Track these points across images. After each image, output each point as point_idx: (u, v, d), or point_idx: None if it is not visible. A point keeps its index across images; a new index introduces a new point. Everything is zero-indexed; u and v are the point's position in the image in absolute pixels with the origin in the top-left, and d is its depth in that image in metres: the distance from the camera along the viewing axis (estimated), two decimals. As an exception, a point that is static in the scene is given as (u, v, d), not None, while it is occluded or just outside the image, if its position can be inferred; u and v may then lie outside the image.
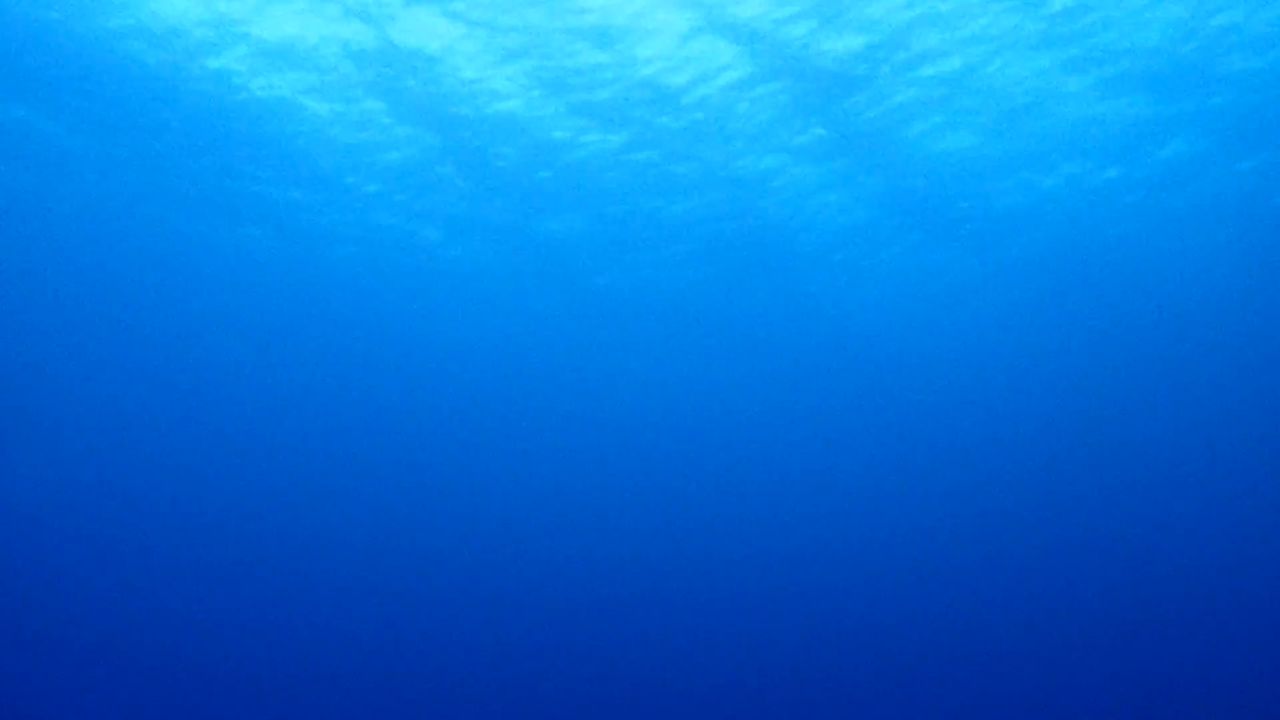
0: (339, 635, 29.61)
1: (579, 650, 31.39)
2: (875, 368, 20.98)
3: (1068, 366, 21.31)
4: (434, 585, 29.40)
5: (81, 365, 19.67)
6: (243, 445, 22.77)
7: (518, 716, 30.39)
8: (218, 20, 11.19)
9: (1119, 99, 13.40)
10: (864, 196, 15.19)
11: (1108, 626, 30.19)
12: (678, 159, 14.09)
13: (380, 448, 23.45)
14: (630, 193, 14.83)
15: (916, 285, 17.97)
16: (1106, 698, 29.51)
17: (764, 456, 25.06)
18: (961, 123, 13.57)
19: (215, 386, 20.55)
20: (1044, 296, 18.65)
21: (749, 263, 16.84)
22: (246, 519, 25.48)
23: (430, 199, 14.80)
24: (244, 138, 13.33)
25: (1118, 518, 28.25)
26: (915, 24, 11.59)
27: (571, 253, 16.45)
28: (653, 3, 11.07)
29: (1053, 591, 30.71)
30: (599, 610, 30.96)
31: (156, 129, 13.17)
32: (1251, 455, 25.08)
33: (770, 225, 15.83)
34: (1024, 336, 20.09)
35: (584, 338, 19.39)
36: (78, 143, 13.51)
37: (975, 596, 31.39)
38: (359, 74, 12.05)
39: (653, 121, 13.20)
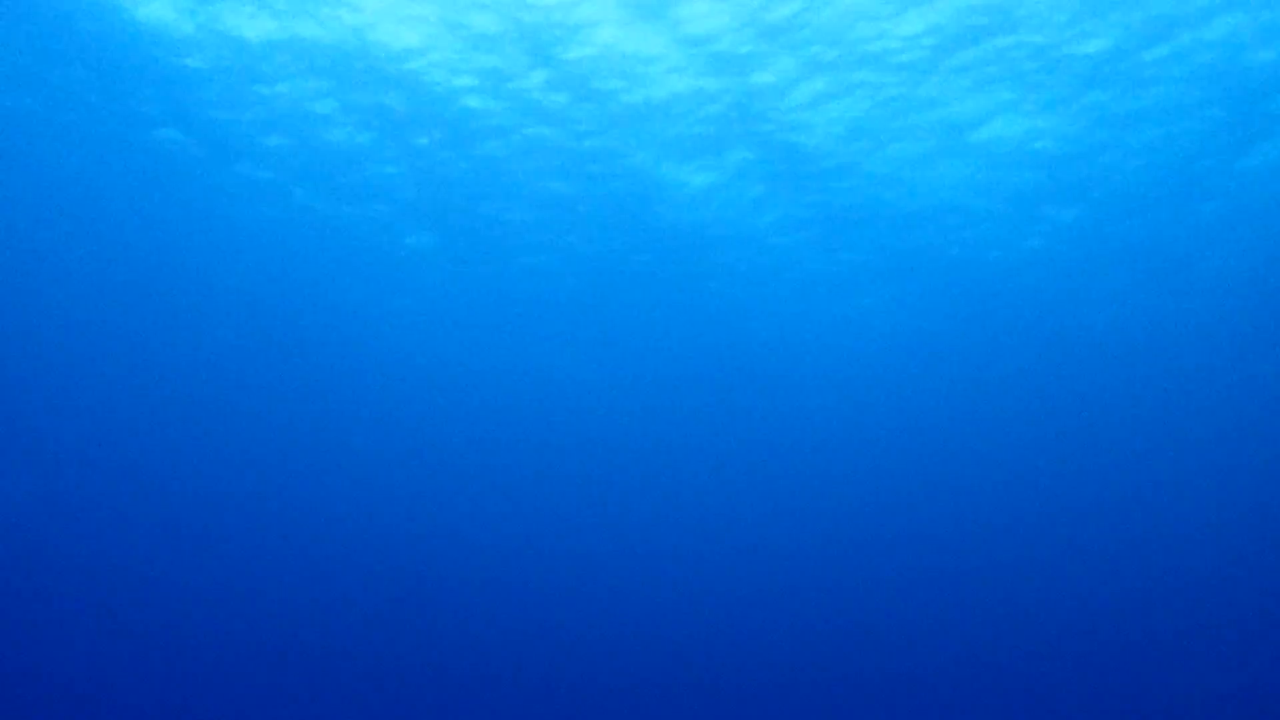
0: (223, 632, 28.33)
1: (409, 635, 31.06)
2: (773, 379, 21.15)
3: (957, 391, 21.70)
4: (308, 567, 28.37)
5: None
6: (117, 402, 21.77)
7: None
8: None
9: (1034, 126, 14.05)
10: (785, 219, 15.59)
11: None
12: (598, 159, 14.24)
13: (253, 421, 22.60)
14: (543, 185, 14.95)
15: (817, 295, 18.44)
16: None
17: (651, 454, 24.79)
18: (881, 154, 14.02)
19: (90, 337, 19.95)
20: (943, 328, 19.19)
21: (656, 267, 17.06)
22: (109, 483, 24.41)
23: (329, 168, 14.68)
24: (135, 68, 12.87)
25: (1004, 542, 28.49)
26: (844, 57, 11.89)
27: (481, 240, 16.46)
28: (597, 4, 11.10)
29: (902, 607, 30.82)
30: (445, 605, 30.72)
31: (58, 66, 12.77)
32: (1141, 491, 25.48)
33: (683, 233, 16.08)
34: (915, 363, 20.54)
35: (484, 323, 19.39)
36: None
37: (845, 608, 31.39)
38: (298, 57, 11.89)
39: (578, 118, 13.34)
